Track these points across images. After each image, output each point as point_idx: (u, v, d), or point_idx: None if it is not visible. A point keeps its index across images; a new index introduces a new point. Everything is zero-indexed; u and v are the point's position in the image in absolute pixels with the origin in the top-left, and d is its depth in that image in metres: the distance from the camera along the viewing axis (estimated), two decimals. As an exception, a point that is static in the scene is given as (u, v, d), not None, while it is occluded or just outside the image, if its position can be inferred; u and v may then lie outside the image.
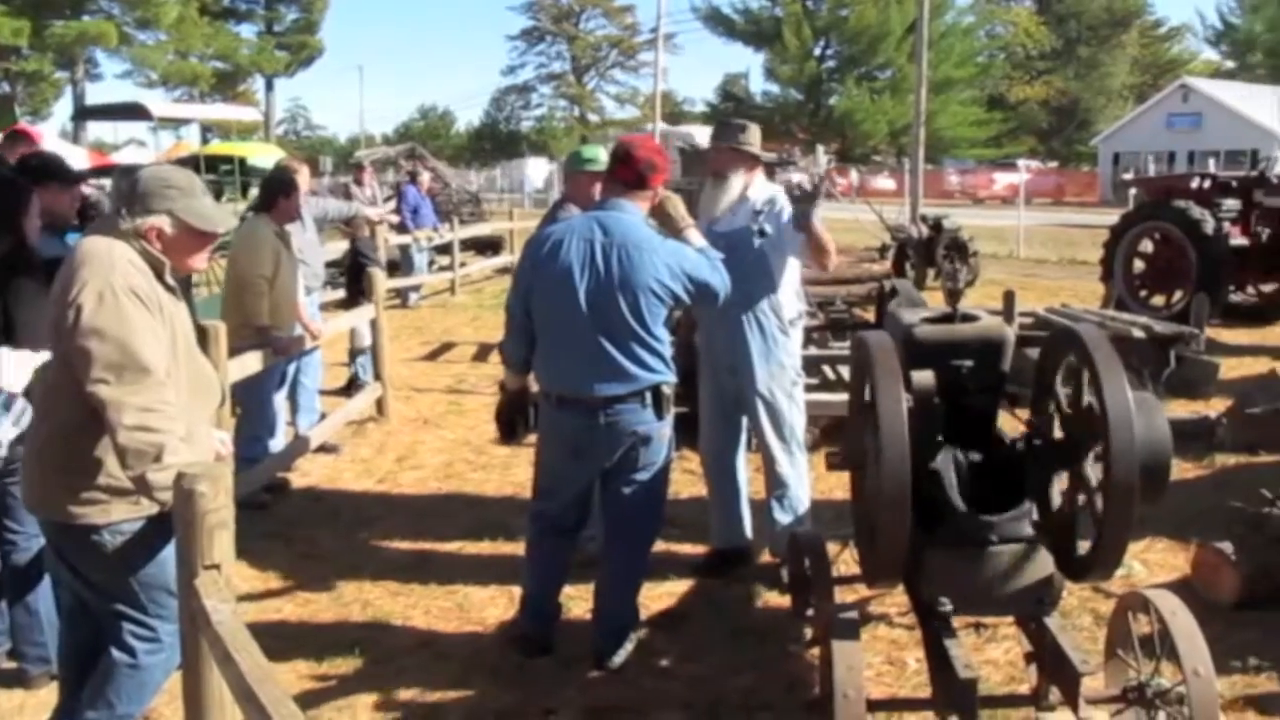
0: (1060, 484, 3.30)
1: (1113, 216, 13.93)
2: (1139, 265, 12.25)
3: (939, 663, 3.13)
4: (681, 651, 4.15)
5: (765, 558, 4.94)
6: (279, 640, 4.03)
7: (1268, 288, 12.38)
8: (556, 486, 4.00)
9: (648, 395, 3.78)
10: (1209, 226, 11.20)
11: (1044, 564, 3.17)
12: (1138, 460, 2.86)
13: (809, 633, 4.23)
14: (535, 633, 4.12)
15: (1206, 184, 12.09)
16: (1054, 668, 3.13)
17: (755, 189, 4.61)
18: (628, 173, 3.86)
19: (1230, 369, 8.70)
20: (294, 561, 5.08)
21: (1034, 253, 21.16)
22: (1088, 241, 20.62)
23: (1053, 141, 59.97)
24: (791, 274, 4.69)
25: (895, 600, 4.39)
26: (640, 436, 3.80)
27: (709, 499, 5.02)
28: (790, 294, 4.67)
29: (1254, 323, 12.03)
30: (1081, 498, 3.14)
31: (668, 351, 3.84)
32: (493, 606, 4.58)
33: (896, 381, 3.00)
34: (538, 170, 44.10)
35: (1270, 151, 17.05)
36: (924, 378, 3.33)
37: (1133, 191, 23.26)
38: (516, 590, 4.38)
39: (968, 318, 3.52)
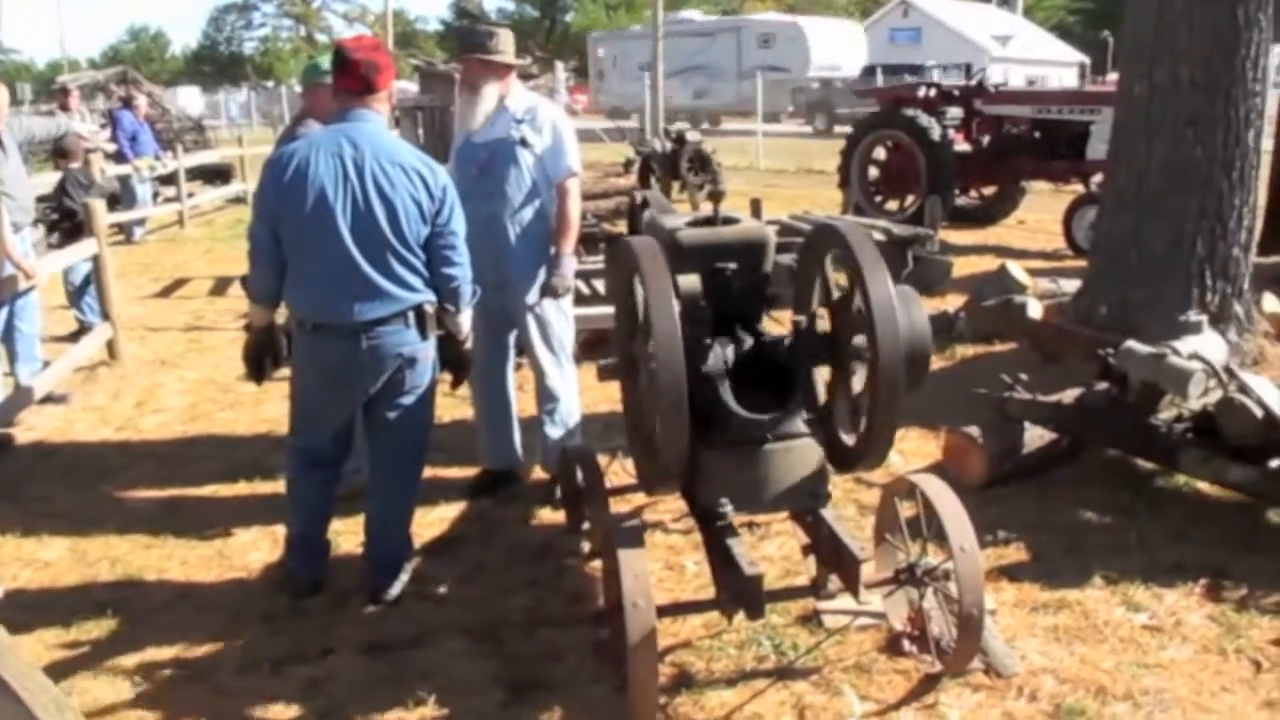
0: (826, 379, 3.37)
1: (843, 127, 14.48)
2: (873, 172, 12.79)
3: (722, 563, 3.17)
4: (458, 577, 4.07)
5: (537, 474, 4.90)
6: (19, 611, 3.74)
7: (988, 191, 13.21)
8: (316, 418, 3.79)
9: (410, 316, 3.62)
10: (935, 133, 11.80)
11: (816, 458, 3.24)
12: (903, 351, 2.92)
13: (586, 546, 4.23)
14: (304, 572, 3.92)
15: (932, 93, 12.70)
16: (832, 557, 3.23)
17: (514, 98, 4.46)
18: (351, 80, 3.62)
19: (960, 267, 9.24)
20: (28, 522, 4.64)
21: (772, 164, 21.80)
22: (822, 151, 21.46)
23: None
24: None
25: (669, 507, 4.44)
26: (405, 359, 3.64)
27: (477, 419, 4.92)
28: (554, 204, 4.55)
29: (977, 224, 12.85)
30: (849, 390, 3.22)
31: (426, 270, 3.67)
32: (256, 550, 4.33)
33: (666, 285, 2.95)
34: (190, 99, 40.08)
35: (982, 65, 18.12)
36: (690, 281, 3.30)
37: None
38: (280, 531, 4.16)
39: (729, 220, 3.52)
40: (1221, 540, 4.15)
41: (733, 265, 3.41)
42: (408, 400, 3.72)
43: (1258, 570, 3.92)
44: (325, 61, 4.45)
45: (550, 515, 4.60)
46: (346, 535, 4.28)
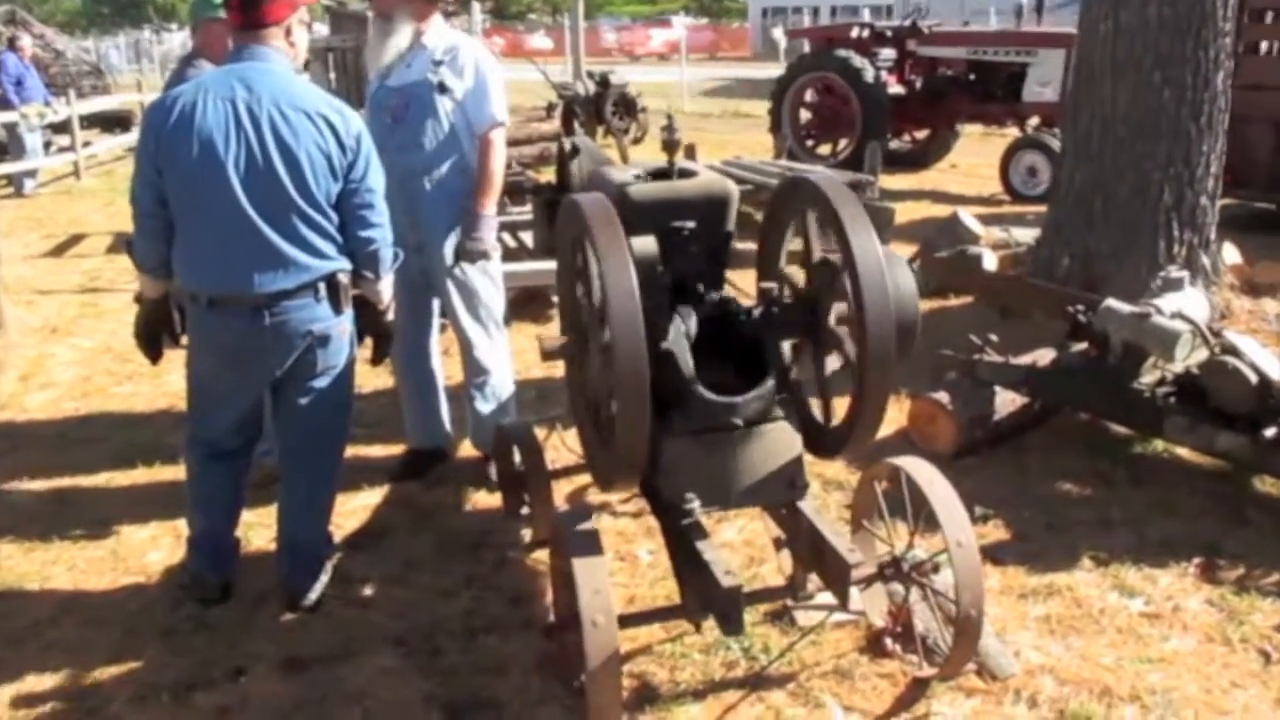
0: (803, 352, 3.00)
1: (766, 70, 14.10)
2: (805, 115, 12.43)
3: (691, 568, 2.79)
4: (386, 575, 3.64)
5: (467, 451, 4.49)
6: None
7: (921, 134, 12.94)
8: (216, 404, 3.30)
9: (321, 287, 3.14)
10: (869, 75, 11.47)
11: (793, 444, 2.87)
12: (893, 317, 2.58)
13: (527, 535, 3.83)
14: (211, 575, 3.45)
15: (865, 34, 12.35)
16: (812, 557, 2.87)
17: (433, 36, 3.95)
18: (238, 12, 3.12)
19: (898, 214, 8.93)
20: (-114, 522, 4.08)
21: (698, 107, 21.35)
22: (744, 94, 21.07)
23: (704, -3, 61.04)
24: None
25: (616, 486, 4.05)
26: (316, 337, 3.17)
27: (400, 394, 4.47)
28: (476, 155, 4.08)
29: (909, 168, 12.58)
30: (831, 364, 2.85)
31: (337, 236, 3.19)
32: (155, 549, 3.85)
33: (623, 254, 2.52)
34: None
35: (900, 5, 17.83)
36: (646, 245, 2.90)
37: (784, 46, 23.87)
38: (183, 525, 3.68)
39: (685, 173, 3.11)
40: (1209, 513, 3.91)
41: (691, 224, 3.00)
42: (321, 383, 3.26)
43: (1251, 547, 3.67)
44: (219, -7, 3.92)
45: (485, 499, 4.19)
46: (258, 529, 3.83)
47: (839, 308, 2.81)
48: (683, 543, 2.84)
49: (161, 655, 3.20)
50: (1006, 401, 4.47)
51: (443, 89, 3.86)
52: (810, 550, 2.87)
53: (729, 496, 2.85)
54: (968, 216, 6.99)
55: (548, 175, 9.97)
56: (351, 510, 4.04)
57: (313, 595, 3.41)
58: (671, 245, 2.95)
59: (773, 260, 3.16)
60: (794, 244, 3.12)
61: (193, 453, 3.41)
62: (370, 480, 4.28)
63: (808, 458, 2.90)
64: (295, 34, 3.22)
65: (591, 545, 2.68)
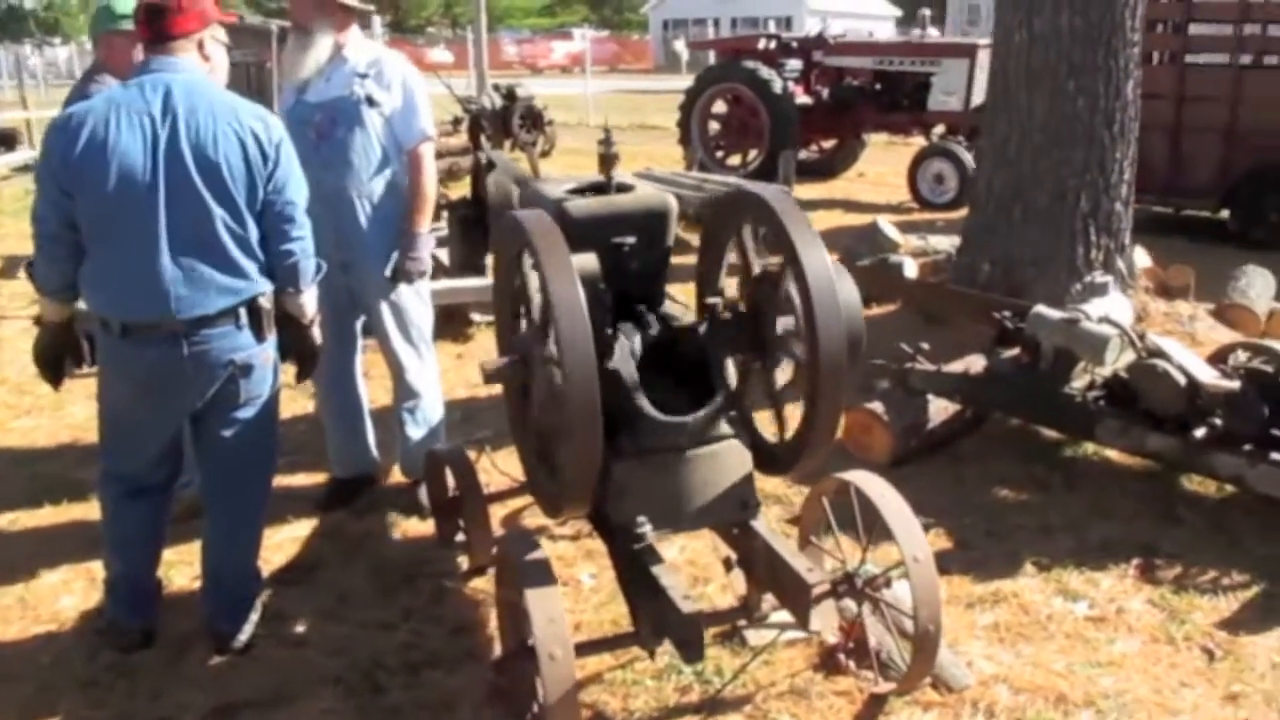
0: (750, 368, 2.94)
1: (669, 81, 14.14)
2: (714, 127, 12.48)
3: (645, 594, 2.71)
4: (319, 610, 3.48)
5: (394, 476, 4.35)
6: None
7: (828, 144, 13.07)
8: (133, 438, 3.12)
9: (243, 313, 2.98)
10: (777, 86, 11.56)
11: (744, 462, 2.82)
12: (845, 328, 2.55)
13: (464, 562, 3.71)
14: (131, 621, 3.26)
15: (772, 45, 12.44)
16: (767, 577, 2.81)
17: (354, 48, 3.83)
18: (150, 27, 2.95)
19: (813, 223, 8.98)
20: None
21: (604, 120, 21.27)
22: (651, 106, 21.12)
23: (604, 9, 61.21)
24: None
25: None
26: (238, 366, 3.01)
27: (324, 419, 4.32)
28: (404, 171, 3.96)
29: (818, 177, 12.69)
30: (780, 380, 2.81)
31: (261, 254, 3.04)
32: (68, 594, 3.62)
33: (569, 272, 2.45)
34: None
35: (800, 17, 18.07)
36: (587, 262, 2.81)
37: (686, 58, 23.99)
38: (97, 566, 3.49)
39: (623, 187, 3.04)
40: (1142, 514, 3.96)
41: (632, 240, 2.95)
42: (245, 414, 3.10)
43: (1186, 546, 3.73)
44: (120, 4, 3.74)
45: (417, 526, 4.05)
46: (180, 567, 3.66)
47: (784, 321, 2.78)
48: (635, 567, 2.76)
49: (80, 709, 3.01)
50: (940, 409, 4.48)
51: (370, 103, 3.74)
52: (766, 570, 2.81)
53: (681, 518, 2.78)
54: (887, 225, 7.04)
55: (457, 190, 9.86)
56: (278, 543, 3.87)
57: (243, 636, 3.24)
58: (612, 262, 2.88)
59: (713, 275, 3.11)
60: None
61: (108, 491, 3.22)
62: (296, 511, 4.11)
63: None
64: (210, 49, 3.08)
65: (543, 574, 2.58)
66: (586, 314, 2.40)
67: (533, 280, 2.67)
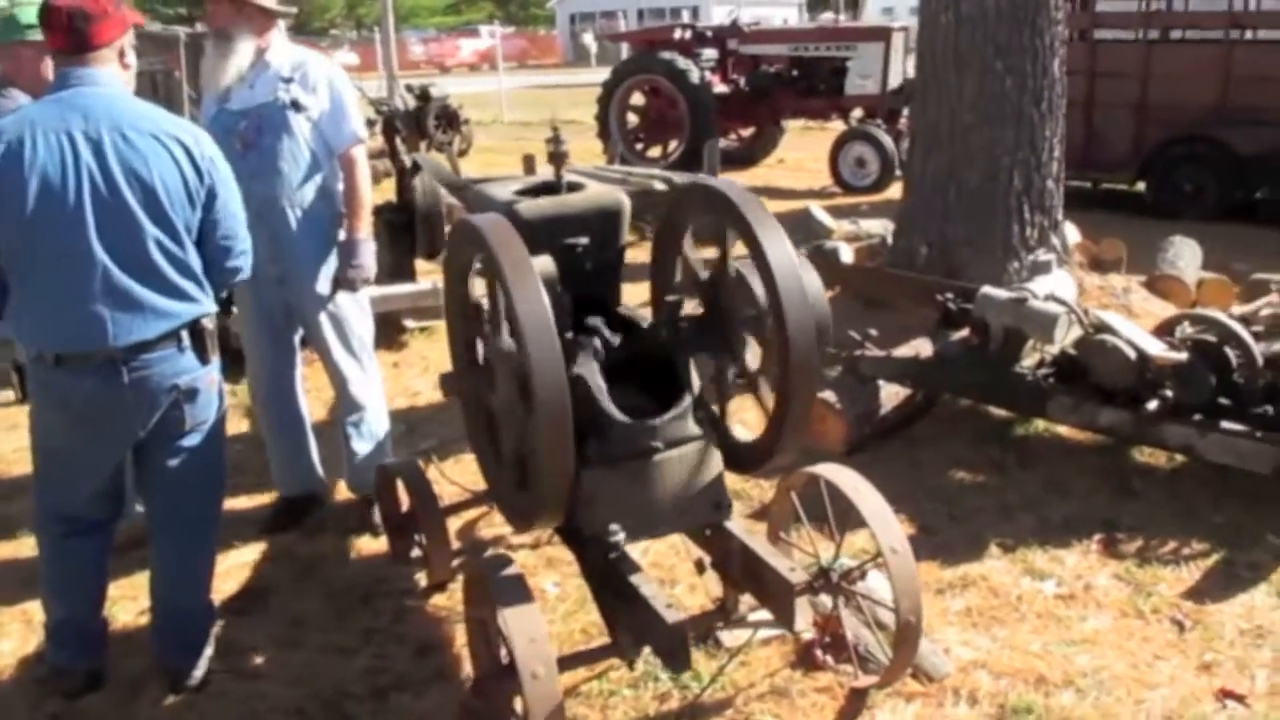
0: (710, 367, 2.87)
1: (579, 75, 14.07)
2: (632, 119, 12.43)
3: (623, 603, 2.64)
4: (276, 639, 3.35)
5: (342, 493, 4.23)
6: None
7: (747, 132, 13.10)
8: (71, 474, 2.95)
9: (185, 335, 2.84)
10: (694, 75, 11.54)
11: (715, 463, 2.76)
12: (813, 320, 2.51)
13: (422, 579, 3.61)
14: (76, 663, 3.10)
15: (687, 34, 12.42)
16: (745, 578, 2.76)
17: (277, 52, 3.70)
18: (68, 37, 2.77)
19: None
20: None
21: (517, 116, 21.13)
22: (564, 101, 20.97)
23: (509, 6, 60.81)
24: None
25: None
26: (182, 391, 2.86)
27: (265, 438, 4.18)
28: (336, 178, 3.85)
29: (738, 166, 12.70)
30: (745, 376, 2.76)
31: (202, 275, 2.90)
32: (4, 638, 3.44)
33: (533, 278, 2.36)
34: None
35: (707, 6, 18.09)
36: (545, 265, 2.72)
37: (594, 50, 23.88)
38: (34, 609, 3.32)
39: (574, 186, 2.97)
40: (1099, 489, 4.01)
41: (585, 240, 2.87)
42: (190, 441, 2.96)
43: (1144, 519, 3.78)
44: (25, 14, 3.53)
45: (370, 544, 3.94)
46: (123, 603, 3.49)
47: (748, 314, 2.73)
48: (611, 577, 2.69)
49: (29, 760, 2.86)
50: (891, 395, 4.49)
51: (297, 107, 3.61)
52: (743, 571, 2.76)
53: (655, 524, 2.73)
54: (819, 211, 7.07)
55: (378, 195, 9.64)
56: (226, 570, 3.70)
57: (197, 673, 3.10)
58: (566, 264, 2.80)
59: (669, 272, 3.04)
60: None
61: (46, 531, 3.04)
62: (241, 535, 3.96)
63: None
64: (130, 57, 2.93)
65: (520, 591, 2.50)
66: (553, 322, 2.32)
67: (498, 289, 2.58)
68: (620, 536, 2.63)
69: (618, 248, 2.95)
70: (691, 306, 2.89)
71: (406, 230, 6.46)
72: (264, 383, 4.03)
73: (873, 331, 4.51)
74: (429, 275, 6.75)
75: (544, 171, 3.22)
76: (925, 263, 5.53)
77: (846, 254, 6.17)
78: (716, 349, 2.82)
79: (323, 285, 3.79)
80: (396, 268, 6.59)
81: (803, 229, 6.91)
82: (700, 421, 2.76)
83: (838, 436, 4.31)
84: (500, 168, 11.89)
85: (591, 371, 2.70)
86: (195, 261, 2.85)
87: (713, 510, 2.77)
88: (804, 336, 2.48)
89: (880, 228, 6.97)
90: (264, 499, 4.26)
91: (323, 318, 3.84)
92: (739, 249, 2.62)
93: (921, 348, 4.54)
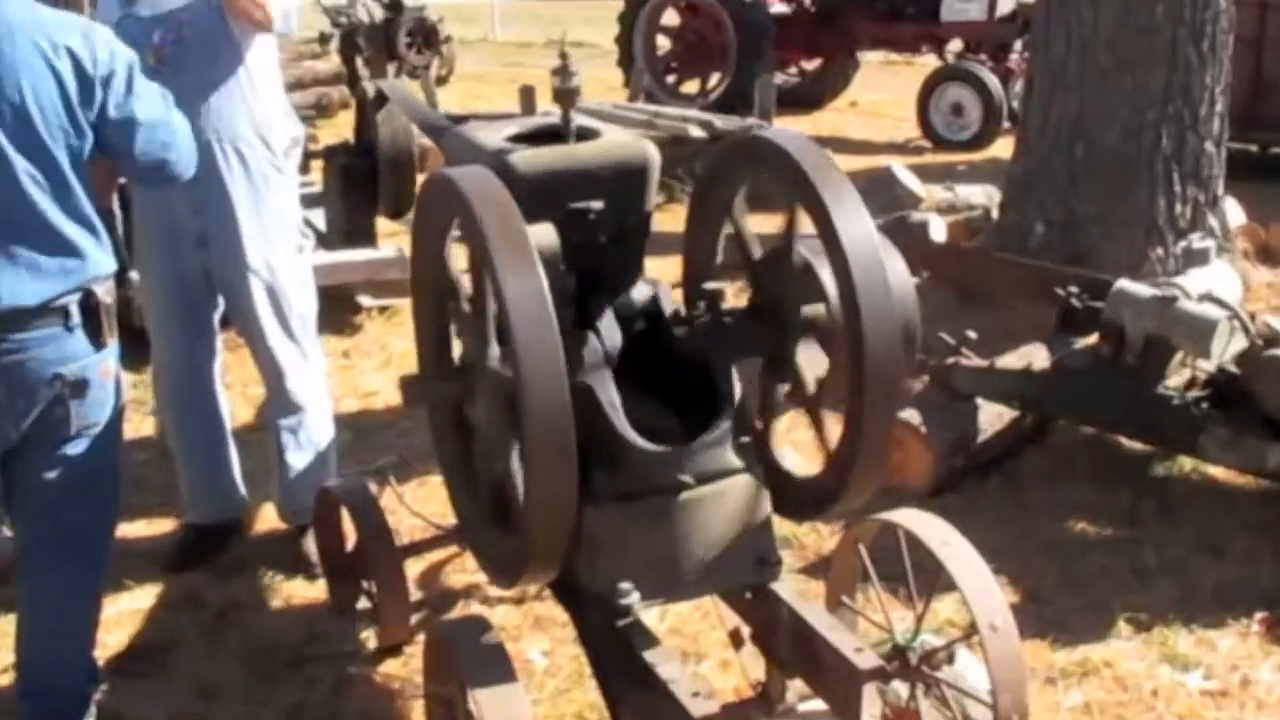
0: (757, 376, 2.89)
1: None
2: (664, 44, 12.46)
3: (635, 687, 2.63)
4: (178, 711, 3.38)
5: (270, 520, 4.29)
6: None
7: (810, 65, 13.08)
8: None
9: (74, 308, 2.84)
10: (746, -11, 11.54)
11: (761, 504, 2.75)
12: (899, 322, 2.50)
13: (371, 640, 3.64)
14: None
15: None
16: (797, 657, 2.74)
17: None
18: None
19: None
20: None
21: (513, 34, 21.27)
22: (574, 17, 21.03)
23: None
24: (272, 72, 3.93)
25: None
26: (69, 383, 2.86)
27: (172, 447, 4.21)
28: (278, 107, 3.91)
29: (798, 108, 12.68)
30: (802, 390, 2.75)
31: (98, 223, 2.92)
32: None
33: (529, 256, 2.34)
34: None
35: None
36: (545, 237, 2.70)
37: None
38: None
39: (586, 133, 2.94)
40: (1263, 551, 4.00)
41: (599, 205, 2.84)
42: (76, 449, 2.95)
43: (1323, 592, 3.74)
44: None
45: (304, 590, 3.97)
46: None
47: (811, 311, 2.70)
48: (618, 650, 2.68)
49: None
50: (992, 417, 4.48)
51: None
52: (792, 648, 2.74)
53: (679, 582, 2.71)
54: (903, 172, 7.09)
55: (331, 132, 9.72)
56: (116, 619, 3.74)
57: (74, 755, 3.10)
58: (574, 236, 2.78)
59: (708, 248, 3.03)
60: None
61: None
62: (137, 573, 3.99)
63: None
64: None
65: (497, 663, 2.52)
66: (553, 313, 2.30)
67: (484, 269, 2.55)
68: (633, 598, 2.61)
69: (641, 214, 2.94)
70: (734, 294, 2.88)
71: (366, 180, 6.45)
72: (173, 374, 4.06)
73: (970, 334, 4.50)
74: (394, 239, 6.76)
75: (547, 111, 3.20)
76: (1042, 244, 5.55)
77: (938, 230, 6.18)
78: (767, 353, 2.81)
79: (254, 249, 3.81)
80: (352, 228, 6.62)
81: (881, 195, 6.89)
82: (743, 449, 2.75)
83: (922, 471, 4.31)
84: (489, 102, 12.00)
85: (602, 380, 2.69)
86: (86, 204, 2.85)
87: (755, 567, 2.75)
88: (885, 341, 2.45)
89: (983, 196, 6.94)
90: (168, 526, 4.30)
91: (254, 290, 3.86)
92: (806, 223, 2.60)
93: (1034, 357, 4.51)
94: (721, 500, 2.70)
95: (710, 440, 2.67)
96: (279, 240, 3.88)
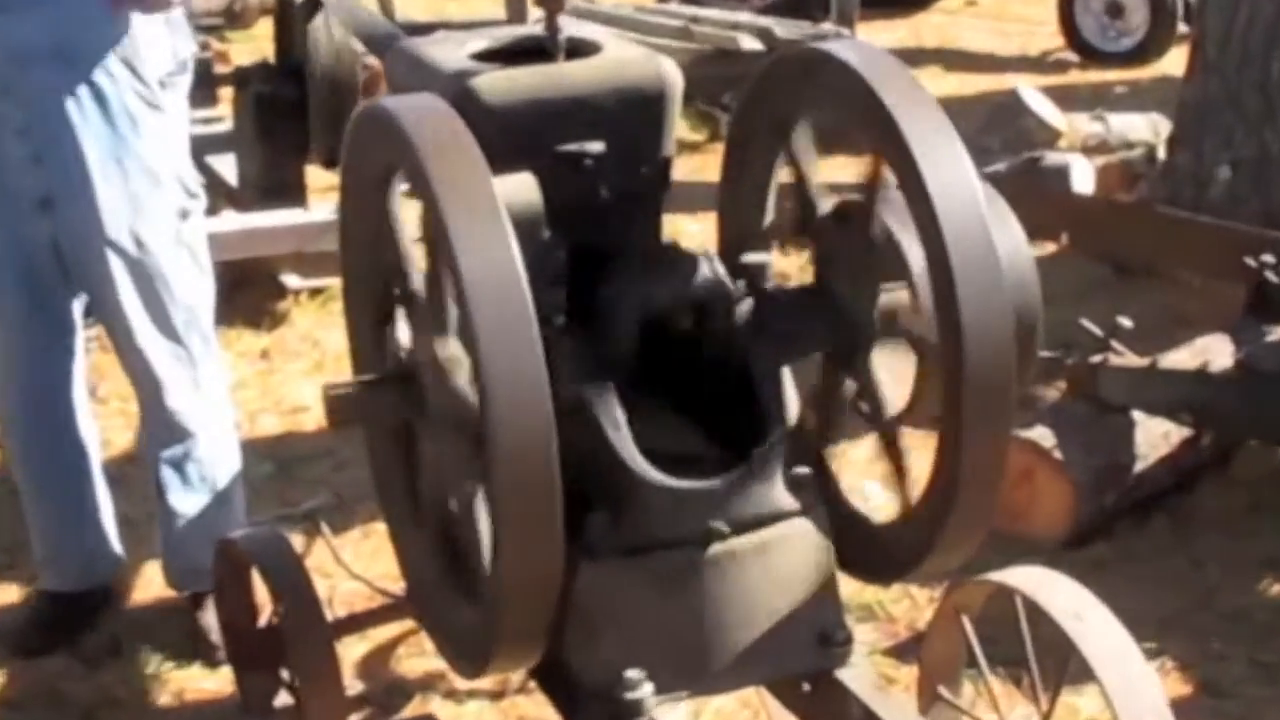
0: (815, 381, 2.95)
1: None
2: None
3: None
4: None
5: (154, 587, 4.37)
6: None
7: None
8: None
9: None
10: None
11: (821, 559, 2.80)
12: (1011, 310, 2.52)
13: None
14: None
15: None
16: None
17: None
18: None
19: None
20: None
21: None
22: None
23: None
24: None
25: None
26: None
27: (21, 490, 4.28)
28: (152, 20, 3.90)
29: (895, 8, 12.76)
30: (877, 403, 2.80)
31: None
32: None
33: (497, 219, 2.38)
34: None
35: None
36: (520, 191, 2.74)
37: None
38: None
39: (579, 47, 2.99)
40: None
41: (598, 146, 2.89)
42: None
43: None
44: None
45: (200, 680, 4.04)
46: None
47: (892, 294, 2.76)
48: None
49: None
50: (1155, 438, 4.48)
51: None
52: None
53: (708, 671, 2.76)
54: (1036, 96, 7.09)
55: (247, 50, 9.82)
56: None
57: None
58: (562, 190, 2.82)
59: (753, 209, 3.06)
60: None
61: None
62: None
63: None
64: None
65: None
66: (529, 299, 2.33)
67: (418, 229, 2.62)
68: (645, 690, 2.65)
69: (657, 160, 3.00)
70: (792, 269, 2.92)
71: (293, 114, 6.51)
72: (20, 386, 4.12)
73: (1125, 322, 4.49)
74: (331, 195, 6.82)
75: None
76: (1227, 196, 5.56)
77: (1083, 177, 6.21)
78: (830, 350, 2.85)
79: (117, 212, 3.84)
80: (273, 181, 6.69)
81: (1005, 129, 6.93)
82: (798, 484, 2.78)
83: (1056, 510, 4.34)
84: (467, 8, 12.07)
85: (602, 393, 2.72)
86: None
87: (816, 647, 2.80)
88: (991, 338, 2.48)
89: (1147, 129, 6.95)
90: (15, 593, 4.38)
91: (114, 271, 3.89)
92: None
93: (1213, 352, 4.52)
94: (767, 555, 2.74)
95: (752, 472, 2.71)
96: (151, 202, 3.89)
